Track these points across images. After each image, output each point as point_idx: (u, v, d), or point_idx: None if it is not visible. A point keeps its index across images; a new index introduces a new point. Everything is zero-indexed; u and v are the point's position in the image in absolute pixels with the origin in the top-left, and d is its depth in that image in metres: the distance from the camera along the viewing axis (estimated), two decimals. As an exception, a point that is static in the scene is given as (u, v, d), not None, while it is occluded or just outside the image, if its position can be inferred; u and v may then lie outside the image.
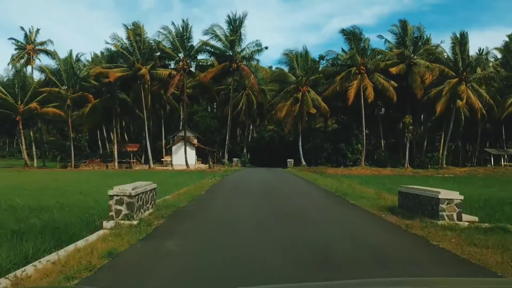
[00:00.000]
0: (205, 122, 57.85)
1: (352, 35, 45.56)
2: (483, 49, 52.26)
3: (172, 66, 49.86)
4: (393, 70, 45.15)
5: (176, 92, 61.63)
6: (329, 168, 46.22)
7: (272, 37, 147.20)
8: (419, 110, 50.14)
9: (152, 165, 47.43)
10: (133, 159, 52.20)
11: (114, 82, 45.35)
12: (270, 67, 53.65)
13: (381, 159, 50.80)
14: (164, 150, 54.55)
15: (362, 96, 45.26)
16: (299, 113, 47.88)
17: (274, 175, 32.58)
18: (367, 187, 20.24)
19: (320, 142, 51.44)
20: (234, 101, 56.51)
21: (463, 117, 49.28)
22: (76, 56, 49.56)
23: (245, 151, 58.47)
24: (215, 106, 65.97)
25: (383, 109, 55.58)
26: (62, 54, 54.54)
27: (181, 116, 63.20)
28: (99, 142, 56.91)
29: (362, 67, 45.68)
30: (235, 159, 51.92)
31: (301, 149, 48.25)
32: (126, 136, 59.58)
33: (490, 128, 56.07)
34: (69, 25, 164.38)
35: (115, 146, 48.24)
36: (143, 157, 55.97)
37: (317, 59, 55.88)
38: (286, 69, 50.95)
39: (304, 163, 47.77)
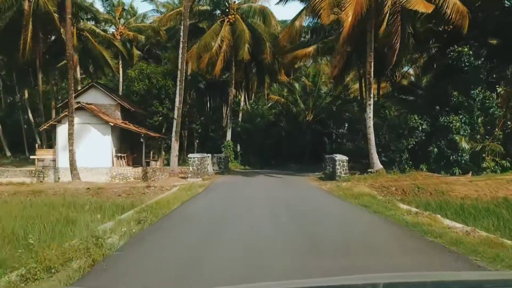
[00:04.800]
0: (146, 79, 28.23)
1: None
2: None
3: None
4: None
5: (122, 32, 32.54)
6: (451, 180, 17.36)
7: None
8: None
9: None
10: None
11: None
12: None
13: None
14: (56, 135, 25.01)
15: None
16: (374, 16, 17.72)
17: None
18: None
19: (396, 117, 22.28)
20: (207, 36, 27.06)
21: None
22: None
23: (229, 138, 29.22)
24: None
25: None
26: None
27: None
28: None
29: None
30: (195, 158, 19.72)
31: (372, 128, 18.69)
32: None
33: None
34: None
35: None
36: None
37: None
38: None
39: (379, 165, 18.43)
